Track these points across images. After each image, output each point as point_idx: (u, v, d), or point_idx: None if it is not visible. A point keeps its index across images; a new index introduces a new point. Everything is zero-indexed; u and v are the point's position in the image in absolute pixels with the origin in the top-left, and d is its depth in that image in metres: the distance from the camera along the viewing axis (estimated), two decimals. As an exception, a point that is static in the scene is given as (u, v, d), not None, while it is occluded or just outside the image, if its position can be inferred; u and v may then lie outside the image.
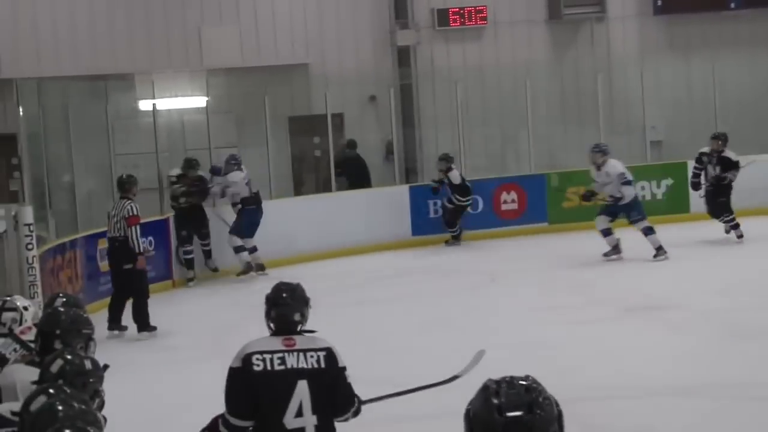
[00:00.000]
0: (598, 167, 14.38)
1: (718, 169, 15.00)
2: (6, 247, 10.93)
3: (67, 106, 15.65)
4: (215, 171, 15.01)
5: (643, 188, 17.14)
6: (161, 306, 12.59)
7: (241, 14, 18.30)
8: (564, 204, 17.01)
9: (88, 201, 15.90)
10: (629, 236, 14.42)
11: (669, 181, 17.48)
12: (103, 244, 12.81)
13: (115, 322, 11.86)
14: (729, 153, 15.03)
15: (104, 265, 12.83)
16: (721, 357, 9.62)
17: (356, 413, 5.11)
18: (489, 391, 2.67)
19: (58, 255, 12.43)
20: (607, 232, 14.46)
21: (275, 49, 18.40)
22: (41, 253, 11.32)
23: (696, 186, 15.46)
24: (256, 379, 4.85)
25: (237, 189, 14.75)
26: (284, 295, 5.08)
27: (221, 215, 14.98)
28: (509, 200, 17.29)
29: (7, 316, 6.64)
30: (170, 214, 14.81)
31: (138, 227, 11.83)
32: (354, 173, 17.82)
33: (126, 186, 12.09)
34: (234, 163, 14.84)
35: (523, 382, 2.69)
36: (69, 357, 4.50)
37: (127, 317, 11.87)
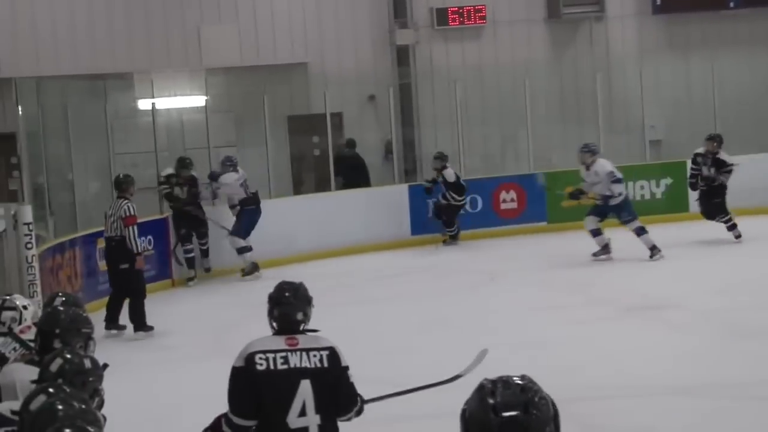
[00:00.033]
0: (587, 167, 14.38)
1: (712, 170, 14.98)
2: (5, 247, 10.92)
3: (66, 105, 15.62)
4: (213, 177, 14.82)
5: (642, 187, 17.15)
6: (160, 305, 12.57)
7: (240, 14, 18.29)
8: (563, 203, 17.00)
9: (88, 200, 15.88)
10: (620, 237, 14.39)
11: (668, 181, 17.46)
12: (101, 244, 12.79)
13: (112, 322, 11.84)
14: (723, 155, 14.99)
15: (103, 264, 12.81)
16: (721, 357, 9.60)
17: (359, 413, 5.11)
18: (485, 390, 2.65)
19: (57, 254, 12.42)
20: (596, 233, 14.44)
21: (274, 48, 18.40)
22: (40, 252, 11.30)
23: (694, 186, 15.44)
24: (259, 379, 4.84)
25: (229, 190, 14.69)
26: (287, 294, 5.07)
27: (217, 220, 14.87)
28: (508, 199, 17.28)
29: (7, 315, 6.64)
30: (168, 214, 14.79)
31: (135, 227, 11.77)
32: (349, 172, 17.76)
33: (123, 186, 12.03)
34: (229, 164, 14.75)
35: (519, 382, 2.67)
36: (68, 356, 4.50)
37: (124, 317, 11.86)
